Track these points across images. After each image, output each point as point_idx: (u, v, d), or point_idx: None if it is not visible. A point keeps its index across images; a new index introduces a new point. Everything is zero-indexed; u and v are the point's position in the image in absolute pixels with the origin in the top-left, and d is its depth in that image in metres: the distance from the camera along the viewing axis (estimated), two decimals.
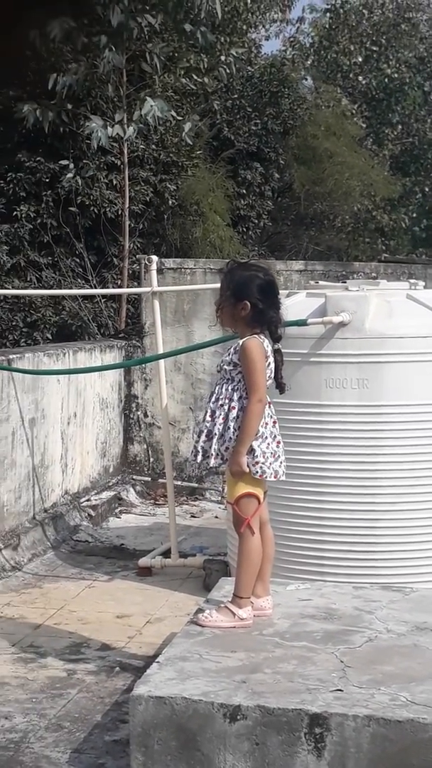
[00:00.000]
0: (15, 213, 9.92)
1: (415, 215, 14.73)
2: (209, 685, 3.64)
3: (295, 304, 5.66)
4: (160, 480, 8.42)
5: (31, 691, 4.44)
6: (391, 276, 8.44)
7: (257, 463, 4.18)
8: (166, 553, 6.57)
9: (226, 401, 4.22)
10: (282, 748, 3.45)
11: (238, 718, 3.48)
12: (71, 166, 9.80)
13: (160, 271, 7.95)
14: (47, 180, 10.00)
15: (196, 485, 8.67)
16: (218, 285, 4.43)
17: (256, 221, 12.38)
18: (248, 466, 4.18)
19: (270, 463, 4.22)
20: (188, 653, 3.95)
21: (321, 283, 6.79)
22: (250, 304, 4.21)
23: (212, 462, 4.26)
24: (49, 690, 4.45)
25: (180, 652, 3.97)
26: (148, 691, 3.60)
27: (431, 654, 3.95)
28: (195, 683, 3.66)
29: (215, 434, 4.22)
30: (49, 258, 10.06)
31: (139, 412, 8.88)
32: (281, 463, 4.29)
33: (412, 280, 6.10)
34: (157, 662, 3.88)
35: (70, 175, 9.76)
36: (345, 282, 6.40)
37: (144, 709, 3.55)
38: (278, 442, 4.29)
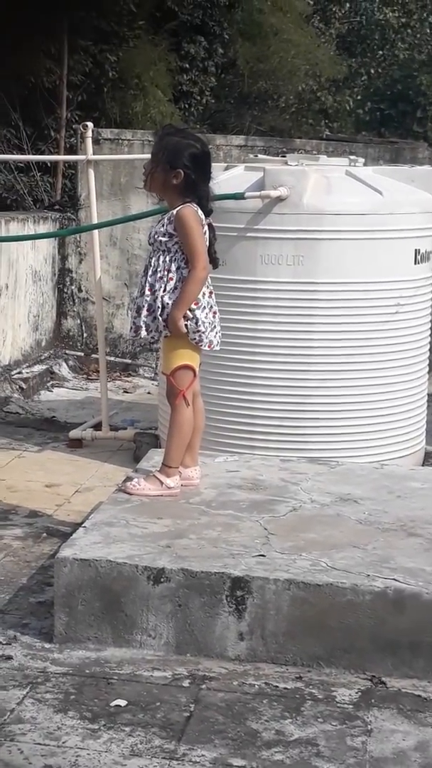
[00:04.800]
0: None
1: (359, 98, 14.51)
2: (134, 549, 3.70)
3: (233, 178, 5.57)
4: (93, 355, 8.38)
5: None
6: (332, 154, 8.32)
7: (200, 332, 4.17)
8: (98, 426, 6.58)
9: (165, 272, 4.16)
10: (204, 609, 3.53)
11: (161, 581, 3.55)
12: None
13: (96, 141, 7.74)
14: None
15: (129, 361, 8.66)
16: None
17: (199, 98, 12.09)
18: (189, 331, 4.16)
19: (207, 333, 4.22)
20: (114, 519, 3.99)
21: (260, 157, 6.68)
22: (183, 174, 4.13)
23: (158, 336, 4.23)
24: None
25: (106, 517, 4.01)
26: (74, 553, 3.64)
27: (353, 523, 4.05)
28: (120, 547, 3.70)
29: (157, 307, 4.16)
30: None
31: (73, 287, 8.77)
32: (216, 333, 4.29)
33: (351, 157, 6.03)
34: (84, 527, 3.92)
35: None
36: (285, 157, 6.31)
37: (69, 571, 3.60)
38: (214, 313, 4.28)
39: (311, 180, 5.39)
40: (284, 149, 8.59)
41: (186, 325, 4.14)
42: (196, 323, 4.17)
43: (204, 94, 12.15)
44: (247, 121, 12.77)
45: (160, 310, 4.16)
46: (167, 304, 4.14)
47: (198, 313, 4.17)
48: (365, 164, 5.91)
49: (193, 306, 4.16)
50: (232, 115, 12.99)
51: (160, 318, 4.16)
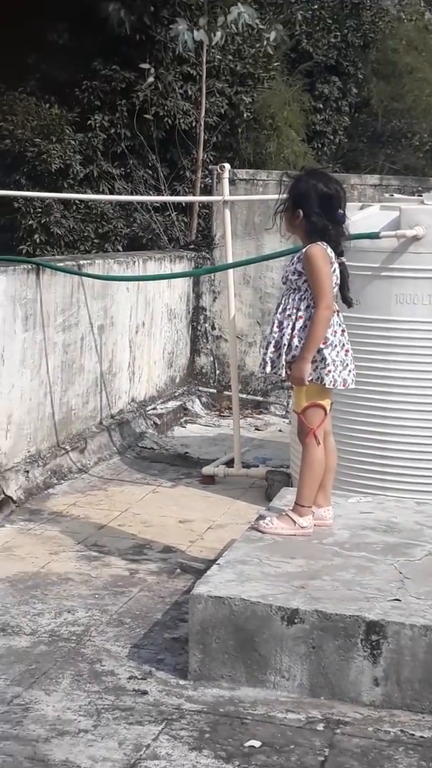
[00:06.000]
0: (89, 122, 9.86)
1: None
2: (268, 588, 3.70)
3: (368, 217, 5.57)
4: (226, 392, 8.46)
5: (94, 587, 4.54)
6: None
7: (329, 372, 4.17)
8: (230, 463, 6.63)
9: (294, 311, 4.20)
10: (338, 653, 3.51)
11: (295, 622, 3.54)
12: (152, 70, 9.67)
13: (232, 182, 7.85)
14: (122, 88, 9.90)
15: (261, 399, 8.70)
16: None
17: (332, 137, 12.14)
18: (320, 374, 4.17)
19: (339, 372, 4.22)
20: (248, 557, 4.01)
21: (396, 196, 6.67)
22: (303, 214, 4.18)
23: (281, 373, 4.26)
24: (111, 587, 4.55)
25: (240, 555, 4.03)
26: (208, 591, 3.67)
27: None
28: (254, 586, 3.72)
29: (283, 345, 4.21)
30: (122, 169, 10.00)
31: (206, 324, 8.89)
32: (350, 371, 4.28)
33: None
34: (218, 564, 3.94)
35: (151, 79, 9.64)
36: (421, 196, 6.27)
37: (203, 608, 3.62)
38: (347, 351, 4.28)
39: None
40: (420, 188, 8.54)
41: (310, 373, 4.16)
42: (324, 363, 4.17)
43: (337, 134, 12.20)
44: (380, 160, 12.74)
45: (285, 348, 4.19)
46: (296, 346, 4.16)
47: (326, 352, 4.17)
48: None
49: (320, 345, 4.17)
50: (365, 154, 12.98)
51: (284, 356, 4.20)
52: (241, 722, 3.33)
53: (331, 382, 4.19)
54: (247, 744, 3.19)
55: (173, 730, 3.26)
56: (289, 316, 4.21)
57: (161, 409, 7.89)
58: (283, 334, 4.21)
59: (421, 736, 3.27)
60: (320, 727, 3.32)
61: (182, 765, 3.06)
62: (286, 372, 4.24)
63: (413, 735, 3.28)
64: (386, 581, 3.81)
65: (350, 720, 3.37)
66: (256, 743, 3.19)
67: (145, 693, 3.53)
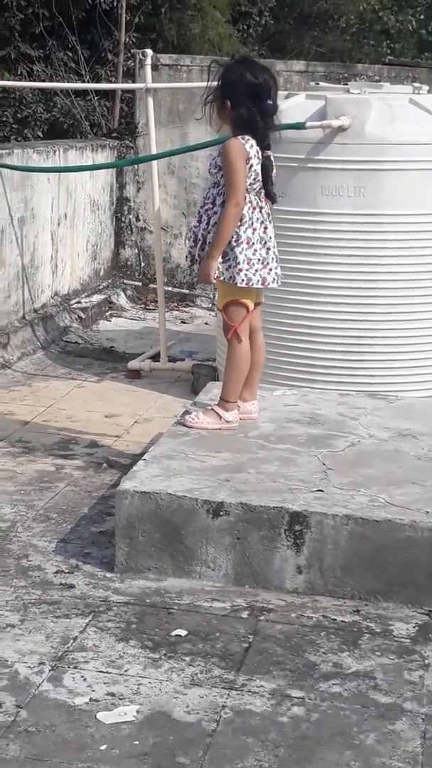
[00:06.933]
0: (5, 1, 9.44)
1: (422, 17, 14.05)
2: (193, 482, 3.74)
3: (293, 107, 5.47)
4: (151, 285, 8.39)
5: (20, 483, 4.55)
6: (395, 80, 8.12)
7: (240, 270, 4.11)
8: (156, 357, 6.62)
9: (210, 205, 4.15)
10: (262, 543, 3.58)
11: (220, 514, 3.59)
12: None
13: (155, 67, 7.63)
14: None
15: (187, 292, 8.65)
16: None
17: (258, 18, 11.85)
18: (232, 274, 4.11)
19: (256, 270, 4.15)
20: (174, 452, 4.03)
21: (322, 84, 6.55)
22: (231, 105, 4.08)
23: (197, 267, 4.22)
24: (37, 483, 4.56)
25: (166, 450, 4.05)
26: (134, 486, 3.69)
27: (411, 459, 4.05)
28: (180, 480, 3.75)
29: (199, 239, 4.15)
30: (41, 51, 9.65)
31: (131, 216, 8.74)
32: (271, 269, 4.21)
33: (416, 84, 5.89)
34: (144, 459, 3.96)
35: None
36: (347, 84, 6.18)
37: (129, 503, 3.65)
38: (268, 249, 4.20)
39: (374, 109, 5.28)
40: (346, 75, 8.41)
41: (218, 269, 4.10)
42: (236, 261, 4.10)
43: (263, 15, 11.90)
44: (306, 43, 12.50)
45: (201, 243, 4.15)
46: (209, 242, 4.11)
47: (237, 250, 4.09)
48: (429, 91, 5.76)
49: (232, 243, 4.10)
50: (291, 37, 12.71)
51: (197, 251, 4.16)
52: (168, 612, 3.39)
53: (242, 281, 4.12)
54: (173, 633, 3.26)
55: (100, 622, 3.32)
56: (207, 210, 4.15)
57: (86, 302, 7.80)
58: (200, 228, 4.16)
59: (342, 621, 3.38)
60: (245, 614, 3.40)
61: (109, 656, 3.12)
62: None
63: (335, 620, 3.38)
64: (310, 473, 3.88)
65: (274, 607, 3.46)
66: (182, 632, 3.27)
67: (72, 586, 3.57)
